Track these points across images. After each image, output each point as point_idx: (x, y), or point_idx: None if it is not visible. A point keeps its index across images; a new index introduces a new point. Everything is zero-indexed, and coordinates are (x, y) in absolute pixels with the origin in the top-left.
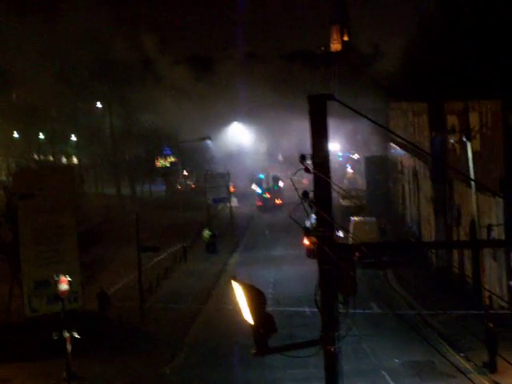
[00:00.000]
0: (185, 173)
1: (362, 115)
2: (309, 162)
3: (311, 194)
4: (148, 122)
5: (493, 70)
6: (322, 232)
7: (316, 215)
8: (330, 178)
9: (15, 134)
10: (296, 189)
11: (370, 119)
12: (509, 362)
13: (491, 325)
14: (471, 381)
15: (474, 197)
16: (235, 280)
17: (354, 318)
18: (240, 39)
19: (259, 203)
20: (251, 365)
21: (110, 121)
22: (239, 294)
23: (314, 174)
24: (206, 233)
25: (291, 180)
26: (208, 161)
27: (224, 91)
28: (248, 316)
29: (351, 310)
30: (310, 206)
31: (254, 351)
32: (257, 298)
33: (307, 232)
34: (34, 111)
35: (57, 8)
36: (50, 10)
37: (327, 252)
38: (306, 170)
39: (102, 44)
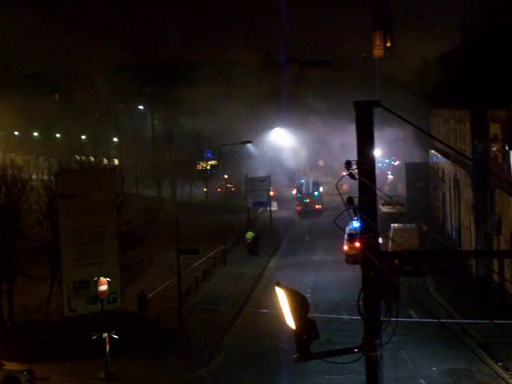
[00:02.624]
0: (225, 176)
1: (407, 122)
2: (354, 167)
3: (355, 200)
4: (189, 124)
5: None
6: (367, 238)
7: (360, 221)
8: (375, 184)
9: (57, 135)
10: (341, 195)
11: (414, 125)
12: None
13: None
14: None
15: None
16: (279, 286)
17: (396, 325)
18: (283, 44)
19: (299, 208)
20: (288, 369)
21: (152, 123)
22: (282, 299)
23: (360, 180)
24: (249, 234)
25: (336, 187)
26: (248, 164)
27: (266, 96)
28: (290, 321)
29: (393, 317)
30: (355, 212)
31: (296, 356)
32: (300, 304)
33: (351, 238)
34: (76, 112)
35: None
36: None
37: (371, 258)
38: (351, 176)
39: (146, 44)
